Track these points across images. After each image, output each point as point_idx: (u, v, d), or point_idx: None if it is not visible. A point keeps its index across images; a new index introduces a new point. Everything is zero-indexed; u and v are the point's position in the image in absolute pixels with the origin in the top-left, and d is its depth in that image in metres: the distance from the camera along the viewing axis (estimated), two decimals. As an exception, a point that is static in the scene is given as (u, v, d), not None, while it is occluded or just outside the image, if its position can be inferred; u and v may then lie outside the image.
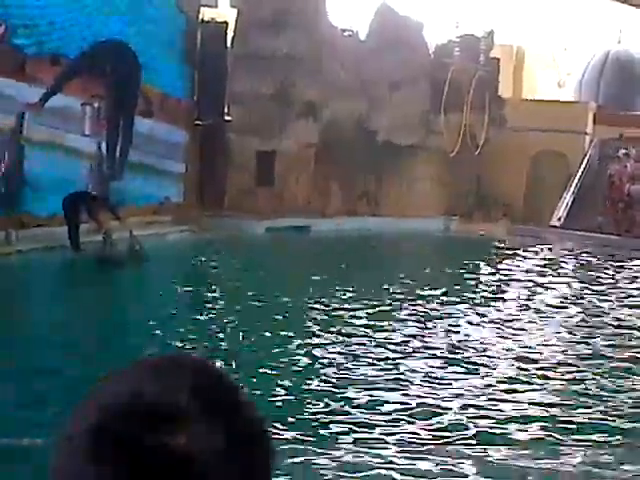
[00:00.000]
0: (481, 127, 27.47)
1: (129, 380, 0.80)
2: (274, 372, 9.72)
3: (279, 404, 8.47)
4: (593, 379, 10.05)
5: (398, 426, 8.04)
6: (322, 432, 7.80)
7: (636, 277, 19.10)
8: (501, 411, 8.71)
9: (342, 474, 6.69)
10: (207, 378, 0.82)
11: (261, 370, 9.68)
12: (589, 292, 16.82)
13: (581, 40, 36.33)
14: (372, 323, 12.48)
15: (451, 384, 9.64)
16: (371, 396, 8.94)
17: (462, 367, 10.35)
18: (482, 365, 10.53)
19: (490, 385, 9.69)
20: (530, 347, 11.58)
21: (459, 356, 10.91)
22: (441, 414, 8.48)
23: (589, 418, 8.61)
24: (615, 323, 13.64)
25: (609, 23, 35.21)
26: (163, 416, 0.77)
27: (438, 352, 11.07)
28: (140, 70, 20.93)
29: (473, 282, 17.14)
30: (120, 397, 0.78)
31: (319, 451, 7.10)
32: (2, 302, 12.69)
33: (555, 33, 36.91)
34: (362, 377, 9.67)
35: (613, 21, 34.81)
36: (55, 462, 0.80)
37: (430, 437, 7.78)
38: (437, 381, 9.72)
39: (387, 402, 8.79)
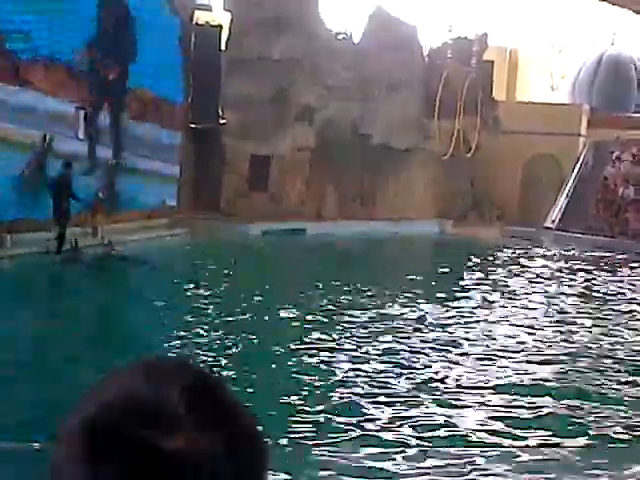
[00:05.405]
0: (474, 130, 27.52)
1: (125, 380, 0.82)
2: (270, 374, 9.72)
3: (276, 405, 8.47)
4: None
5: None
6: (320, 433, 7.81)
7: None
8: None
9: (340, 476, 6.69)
10: (201, 380, 0.84)
11: (256, 372, 9.68)
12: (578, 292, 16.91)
13: (575, 42, 36.43)
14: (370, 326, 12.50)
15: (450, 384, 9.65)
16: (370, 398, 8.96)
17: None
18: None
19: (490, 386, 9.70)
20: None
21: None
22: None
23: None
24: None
25: (603, 25, 35.33)
26: (157, 415, 0.79)
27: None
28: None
29: (465, 284, 17.15)
30: (115, 397, 0.80)
31: (317, 452, 7.11)
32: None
33: (549, 35, 37.03)
34: (362, 380, 9.68)
35: (607, 23, 34.93)
36: (53, 460, 0.81)
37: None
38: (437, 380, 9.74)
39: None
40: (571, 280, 18.78)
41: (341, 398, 8.94)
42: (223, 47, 24.38)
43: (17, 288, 14.45)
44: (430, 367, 10.45)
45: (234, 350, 10.88)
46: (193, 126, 23.95)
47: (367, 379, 9.73)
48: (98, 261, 16.78)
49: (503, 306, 15.05)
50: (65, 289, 15.41)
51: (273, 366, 10.18)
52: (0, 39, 17.27)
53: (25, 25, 17.72)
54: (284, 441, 7.31)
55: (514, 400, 9.10)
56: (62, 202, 16.70)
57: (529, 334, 12.66)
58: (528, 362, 10.87)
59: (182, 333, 11.78)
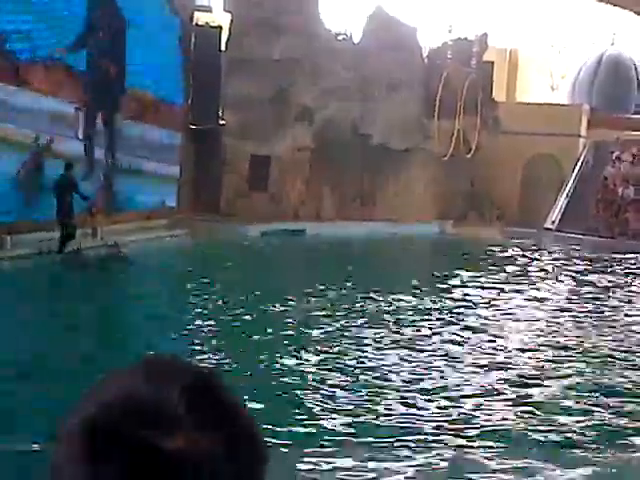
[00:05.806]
0: (474, 130, 27.54)
1: (125, 380, 0.82)
2: (267, 376, 9.72)
3: (274, 406, 8.47)
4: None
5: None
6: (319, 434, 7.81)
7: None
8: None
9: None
10: (201, 380, 0.84)
11: (256, 372, 9.68)
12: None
13: (575, 42, 36.46)
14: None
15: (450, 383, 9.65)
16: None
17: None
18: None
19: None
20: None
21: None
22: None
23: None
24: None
25: (603, 25, 35.35)
26: (157, 415, 0.78)
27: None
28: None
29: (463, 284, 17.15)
30: (115, 397, 0.80)
31: (313, 453, 7.10)
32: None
33: (549, 35, 37.06)
34: (365, 383, 9.68)
35: (607, 23, 34.95)
36: (53, 460, 0.81)
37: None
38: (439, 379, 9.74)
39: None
40: (571, 279, 18.79)
41: (342, 398, 8.94)
42: (223, 48, 24.39)
43: (17, 289, 14.45)
44: (430, 367, 10.45)
45: (233, 350, 10.88)
46: (193, 126, 23.95)
47: (367, 380, 9.73)
48: (99, 262, 16.77)
49: (503, 306, 15.06)
50: (64, 290, 15.37)
51: (272, 366, 10.17)
52: (0, 39, 17.27)
53: (25, 25, 17.72)
54: (283, 442, 7.31)
55: (516, 401, 9.10)
56: (65, 203, 16.72)
57: (533, 334, 12.68)
58: (525, 366, 10.87)
59: (181, 334, 11.78)
